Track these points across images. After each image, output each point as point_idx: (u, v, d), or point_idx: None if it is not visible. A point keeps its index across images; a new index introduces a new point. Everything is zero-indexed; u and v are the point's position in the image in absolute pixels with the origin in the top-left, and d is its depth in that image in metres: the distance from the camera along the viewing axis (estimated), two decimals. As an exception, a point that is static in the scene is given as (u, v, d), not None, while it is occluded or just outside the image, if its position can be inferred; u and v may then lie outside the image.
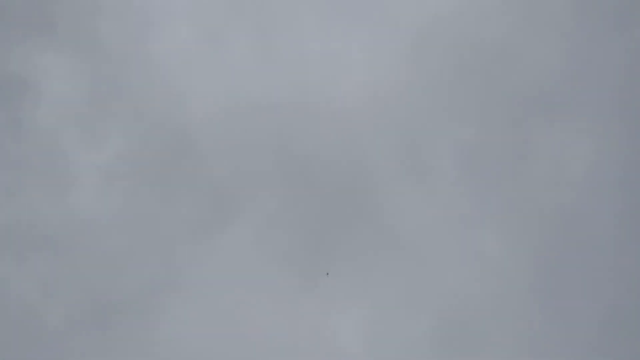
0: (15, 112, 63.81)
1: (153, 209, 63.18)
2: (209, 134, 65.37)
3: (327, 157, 65.23)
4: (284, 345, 57.09)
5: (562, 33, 67.21)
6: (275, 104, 65.83)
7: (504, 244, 62.20)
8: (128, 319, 58.42)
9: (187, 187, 63.83)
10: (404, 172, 65.01)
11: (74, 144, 64.60)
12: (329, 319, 59.46)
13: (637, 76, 65.49)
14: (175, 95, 66.43)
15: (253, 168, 64.72)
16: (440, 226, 63.11)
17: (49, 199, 62.34)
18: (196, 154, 64.77)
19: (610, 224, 61.56)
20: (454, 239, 62.55)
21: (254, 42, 68.46)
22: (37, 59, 65.60)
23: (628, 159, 63.43)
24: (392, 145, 65.54)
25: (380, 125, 66.11)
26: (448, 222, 63.15)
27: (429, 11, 68.07)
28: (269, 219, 63.21)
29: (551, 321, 59.13)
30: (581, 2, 67.74)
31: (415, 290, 60.76)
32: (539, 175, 64.53)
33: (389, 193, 64.09)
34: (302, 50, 68.09)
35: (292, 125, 65.78)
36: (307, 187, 64.32)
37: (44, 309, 58.10)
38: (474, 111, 66.53)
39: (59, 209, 62.20)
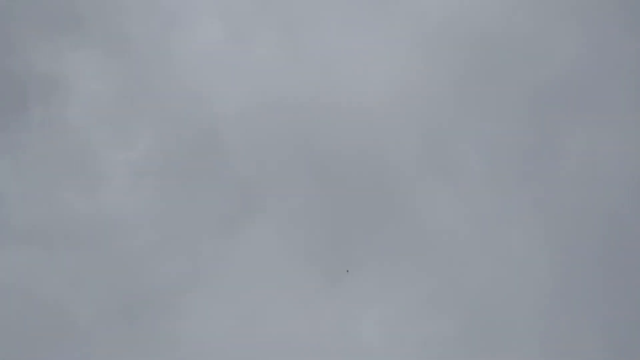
0: (46, 111, 65.11)
1: (180, 206, 64.03)
2: (234, 131, 65.96)
3: (352, 154, 65.23)
4: (307, 343, 57.42)
5: (590, 26, 65.81)
6: (300, 101, 65.95)
7: (531, 243, 61.47)
8: (155, 315, 59.43)
9: (214, 185, 64.54)
10: (428, 170, 64.66)
11: (104, 142, 65.70)
12: (353, 318, 59.61)
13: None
14: (202, 93, 67.03)
15: (278, 166, 65.11)
16: (466, 225, 62.62)
17: (80, 197, 63.55)
18: (222, 152, 65.42)
19: (642, 223, 60.42)
20: (479, 237, 62.01)
21: (279, 40, 68.60)
22: (67, 58, 66.75)
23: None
24: (416, 143, 65.19)
25: (405, 123, 65.75)
26: (474, 220, 62.61)
27: (452, 6, 67.23)
28: (294, 217, 63.54)
29: (579, 324, 58.27)
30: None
31: (440, 290, 60.48)
32: (568, 173, 63.49)
33: (413, 191, 63.80)
34: (326, 48, 67.97)
35: (317, 123, 65.86)
36: (332, 185, 64.47)
37: (73, 305, 59.38)
38: (500, 108, 65.65)
39: (89, 206, 63.37)
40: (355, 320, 59.54)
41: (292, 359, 56.88)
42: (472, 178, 64.17)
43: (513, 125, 65.34)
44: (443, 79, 66.56)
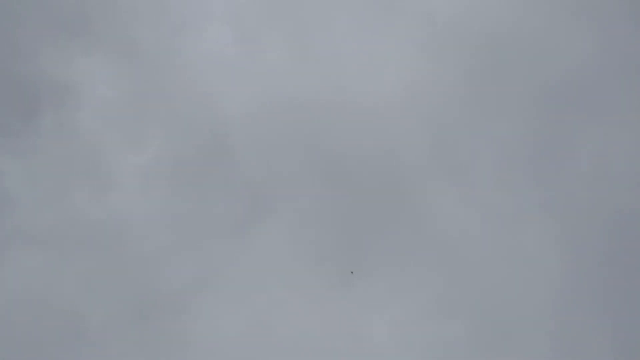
0: (57, 116, 65.55)
1: (190, 209, 64.23)
2: (244, 134, 66.17)
3: (361, 155, 65.22)
4: (317, 343, 57.36)
5: (600, 25, 65.49)
6: (309, 103, 66.08)
7: (542, 243, 61.13)
8: (167, 317, 59.60)
9: (224, 187, 64.73)
10: (439, 170, 64.55)
11: (115, 146, 66.11)
12: (363, 318, 59.48)
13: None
14: (211, 96, 67.29)
15: (288, 167, 65.20)
16: (476, 225, 62.37)
17: (91, 200, 63.91)
18: (232, 155, 65.61)
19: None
20: (490, 238, 61.73)
21: (287, 43, 68.84)
22: (77, 63, 67.21)
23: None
24: (426, 144, 65.09)
25: (415, 124, 65.67)
26: (484, 221, 62.36)
27: (461, 7, 67.15)
28: (304, 218, 63.58)
29: (591, 323, 57.80)
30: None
31: (452, 291, 60.23)
32: (578, 172, 63.15)
33: (424, 192, 63.68)
34: (334, 50, 68.11)
35: (326, 124, 65.98)
36: (342, 186, 64.47)
37: (85, 307, 59.66)
38: (511, 107, 65.44)
39: (101, 210, 63.72)
40: (366, 321, 59.43)
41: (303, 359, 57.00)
42: (483, 178, 63.98)
43: (523, 125, 65.12)
44: (453, 80, 66.49)
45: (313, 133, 66.09)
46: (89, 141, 65.72)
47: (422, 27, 67.91)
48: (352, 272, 60.03)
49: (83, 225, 62.73)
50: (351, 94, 66.49)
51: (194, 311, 59.65)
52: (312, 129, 66.19)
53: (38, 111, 65.22)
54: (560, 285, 59.40)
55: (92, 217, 63.07)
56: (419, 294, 60.04)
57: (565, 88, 65.31)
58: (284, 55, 68.34)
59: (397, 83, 66.63)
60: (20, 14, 67.34)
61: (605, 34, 65.79)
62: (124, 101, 67.46)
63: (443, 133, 65.83)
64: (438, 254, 61.56)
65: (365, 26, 68.77)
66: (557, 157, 64.02)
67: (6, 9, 67.08)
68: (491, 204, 62.91)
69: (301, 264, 61.02)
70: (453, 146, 65.31)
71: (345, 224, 63.39)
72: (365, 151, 65.71)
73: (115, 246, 62.11)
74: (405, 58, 67.85)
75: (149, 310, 59.69)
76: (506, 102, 65.99)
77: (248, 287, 60.39)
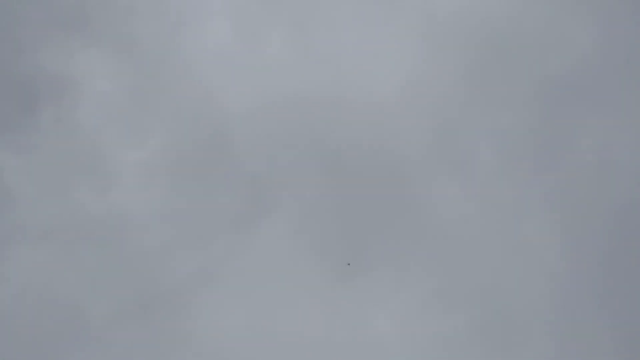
0: (57, 111, 65.34)
1: (192, 205, 64.10)
2: (245, 130, 66.02)
3: (363, 150, 65.16)
4: (320, 339, 57.33)
5: (601, 18, 65.57)
6: (310, 98, 65.94)
7: (544, 236, 61.14)
8: (169, 313, 59.46)
9: (225, 183, 64.61)
10: (441, 163, 64.54)
11: (115, 141, 65.88)
12: (366, 314, 59.46)
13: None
14: (212, 92, 67.12)
15: (289, 163, 65.11)
16: (480, 217, 62.41)
17: (92, 196, 63.72)
18: (233, 150, 65.48)
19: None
20: (492, 231, 61.74)
21: (288, 38, 68.75)
22: (77, 58, 67.01)
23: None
24: (428, 138, 65.03)
25: (416, 118, 65.61)
26: (486, 214, 62.38)
27: (461, 0, 67.15)
28: (306, 213, 63.51)
29: (594, 318, 57.80)
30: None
31: (453, 283, 60.26)
32: (580, 165, 63.21)
33: (426, 184, 63.65)
34: (335, 45, 68.06)
35: (327, 119, 65.83)
36: (344, 182, 64.35)
37: (87, 303, 59.49)
38: (511, 101, 65.44)
39: (102, 206, 63.53)
40: (369, 317, 59.39)
41: (306, 356, 56.80)
42: (484, 172, 63.98)
43: (524, 119, 65.14)
44: (453, 74, 66.49)
45: (314, 128, 66.06)
46: (89, 136, 65.52)
47: (423, 22, 67.99)
48: (349, 264, 60.04)
49: (84, 220, 62.55)
50: (352, 89, 66.48)
51: (196, 305, 59.55)
52: (313, 124, 66.15)
53: (37, 107, 65.03)
54: (562, 277, 59.48)
55: (92, 212, 62.88)
56: (420, 287, 60.03)
57: (567, 80, 65.39)
58: (284, 50, 68.31)
59: (397, 78, 66.59)
60: (19, 9, 67.17)
61: (607, 26, 65.94)
62: (124, 96, 67.28)
63: (444, 127, 65.89)
64: (440, 246, 61.60)
65: (366, 20, 68.80)
66: (558, 149, 64.11)
67: (5, 4, 66.91)
68: (493, 197, 62.93)
69: (304, 259, 60.95)
70: (454, 140, 65.36)
71: (348, 219, 63.37)
72: (366, 146, 65.72)
73: (117, 241, 61.94)
74: (406, 53, 67.85)
75: (151, 305, 59.57)
76: (507, 95, 66.05)
77: (250, 282, 60.31)
